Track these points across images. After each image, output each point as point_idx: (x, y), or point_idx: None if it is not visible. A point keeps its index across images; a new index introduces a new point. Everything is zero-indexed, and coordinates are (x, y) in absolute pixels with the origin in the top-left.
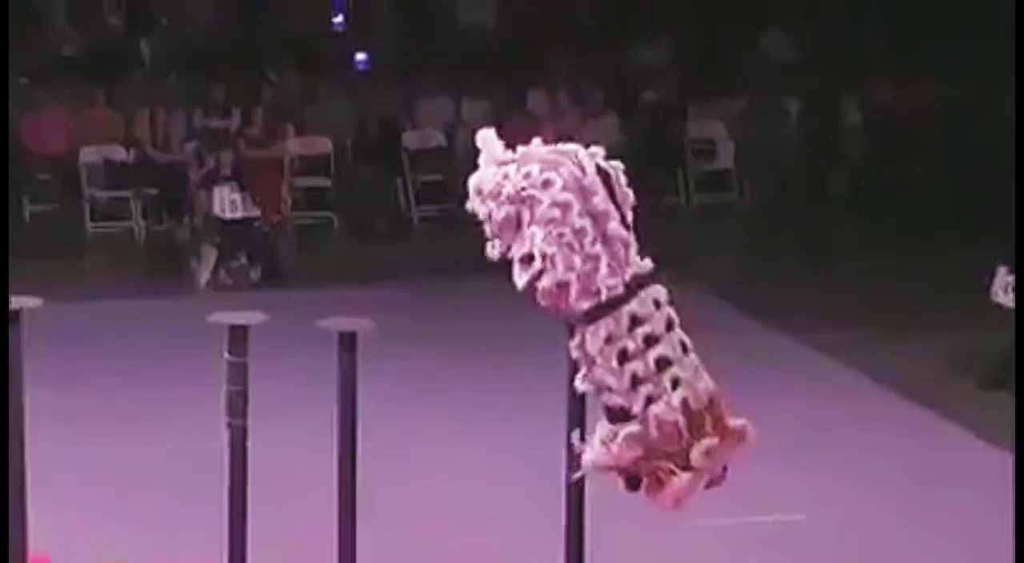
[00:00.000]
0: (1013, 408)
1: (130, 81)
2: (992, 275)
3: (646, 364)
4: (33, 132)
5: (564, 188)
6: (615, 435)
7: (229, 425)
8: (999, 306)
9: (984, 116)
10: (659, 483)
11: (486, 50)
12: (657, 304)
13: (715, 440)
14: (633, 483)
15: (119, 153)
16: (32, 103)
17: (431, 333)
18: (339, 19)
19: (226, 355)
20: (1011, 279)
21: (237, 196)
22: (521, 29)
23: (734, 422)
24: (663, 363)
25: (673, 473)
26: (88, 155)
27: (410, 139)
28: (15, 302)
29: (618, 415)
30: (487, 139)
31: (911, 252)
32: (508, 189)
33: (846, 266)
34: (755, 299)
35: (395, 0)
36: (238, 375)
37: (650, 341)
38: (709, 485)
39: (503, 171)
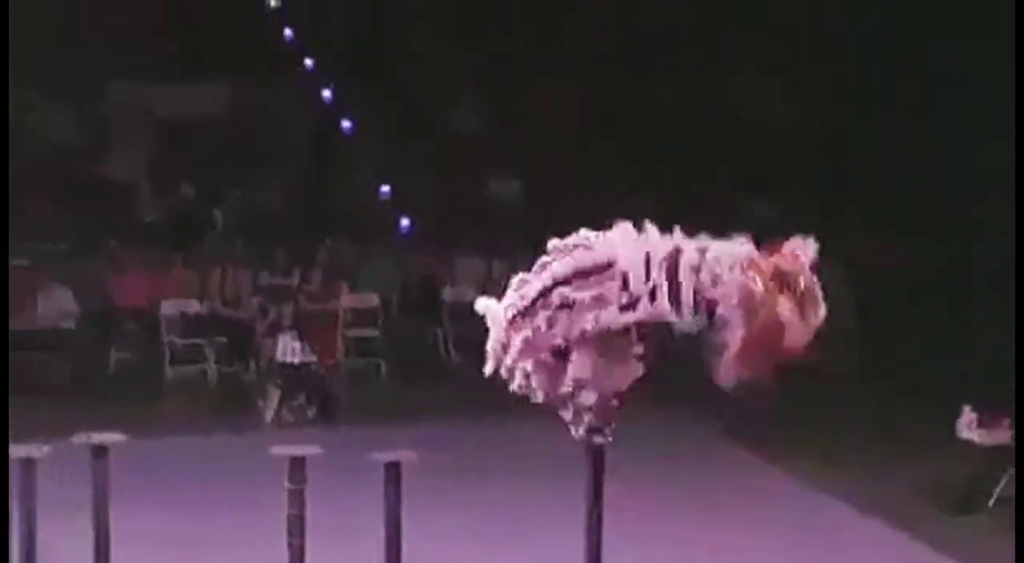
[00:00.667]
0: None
1: (204, 244)
2: (958, 414)
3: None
4: (120, 288)
5: None
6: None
7: (290, 545)
8: (966, 441)
9: (961, 272)
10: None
11: (513, 216)
12: None
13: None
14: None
15: (194, 306)
16: (119, 263)
17: (467, 465)
18: (385, 189)
19: (286, 483)
20: (975, 416)
21: (297, 344)
22: (542, 195)
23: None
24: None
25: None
26: (167, 308)
27: (448, 294)
28: (102, 438)
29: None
30: (490, 309)
31: (889, 393)
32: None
33: (831, 405)
34: (752, 433)
35: (434, 171)
36: (297, 501)
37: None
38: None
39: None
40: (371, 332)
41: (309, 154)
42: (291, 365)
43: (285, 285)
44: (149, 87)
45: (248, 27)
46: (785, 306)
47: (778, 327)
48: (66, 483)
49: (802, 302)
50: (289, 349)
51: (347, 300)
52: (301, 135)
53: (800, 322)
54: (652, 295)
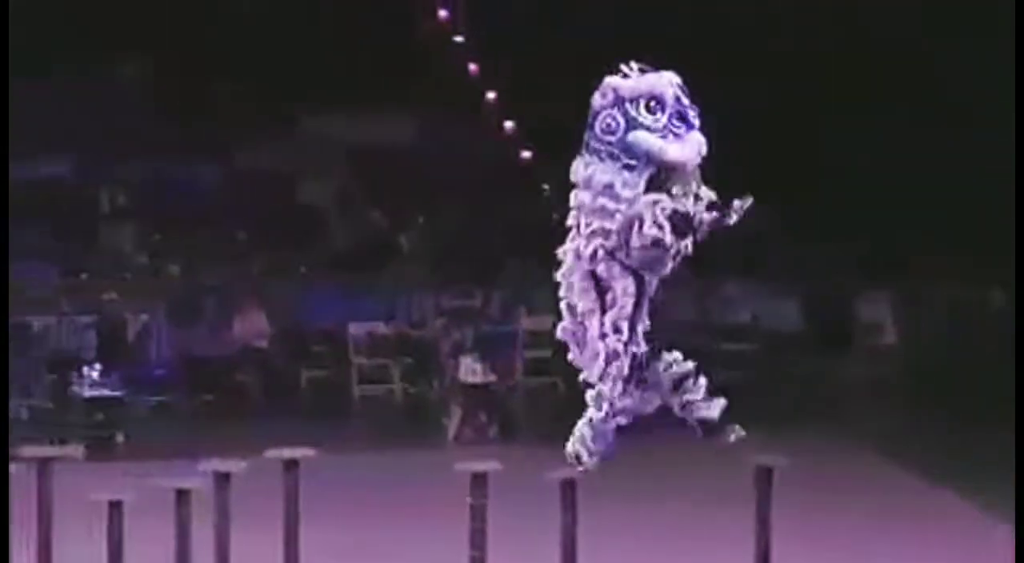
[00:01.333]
0: None
1: (390, 268)
2: None
3: None
4: (310, 311)
5: None
6: None
7: (472, 558)
8: None
9: None
10: None
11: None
12: None
13: None
14: None
15: (380, 328)
16: (310, 287)
17: (640, 486)
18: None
19: (469, 498)
20: None
21: (479, 364)
22: None
23: None
24: None
25: None
26: (355, 329)
27: None
28: (294, 453)
29: None
30: None
31: None
32: None
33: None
34: (915, 456)
35: None
36: (479, 515)
37: None
38: None
39: None
40: (546, 353)
41: (491, 182)
42: (473, 385)
43: (468, 307)
44: (340, 117)
45: (435, 60)
46: None
47: None
48: (259, 496)
49: None
50: (471, 369)
51: (525, 322)
52: (484, 163)
53: None
54: None
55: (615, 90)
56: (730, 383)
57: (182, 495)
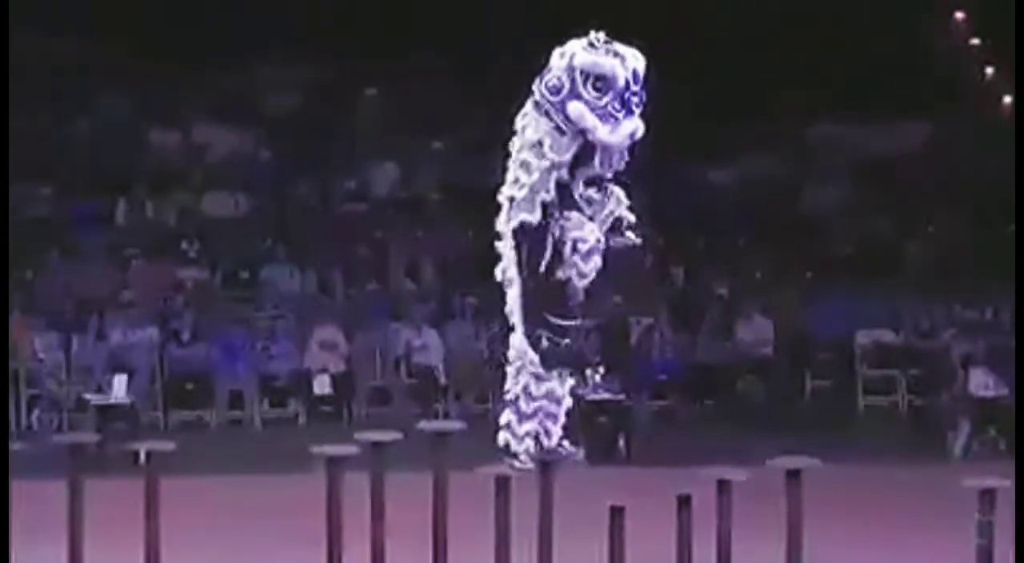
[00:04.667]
0: None
1: (897, 277)
2: None
3: None
4: (815, 319)
5: None
6: None
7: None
8: None
9: None
10: None
11: None
12: None
13: None
14: None
15: (888, 336)
16: (816, 294)
17: None
18: None
19: (976, 515)
20: None
21: (991, 378)
22: None
23: None
24: None
25: None
26: (861, 337)
27: None
28: (796, 462)
29: None
30: None
31: None
32: None
33: None
34: None
35: None
36: (986, 532)
37: None
38: None
39: None
40: None
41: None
42: (984, 398)
43: (979, 318)
44: (850, 126)
45: (949, 65)
46: None
47: None
48: (759, 506)
49: None
50: (983, 383)
51: None
52: (995, 172)
53: None
54: None
55: (572, 56)
56: None
57: (683, 502)
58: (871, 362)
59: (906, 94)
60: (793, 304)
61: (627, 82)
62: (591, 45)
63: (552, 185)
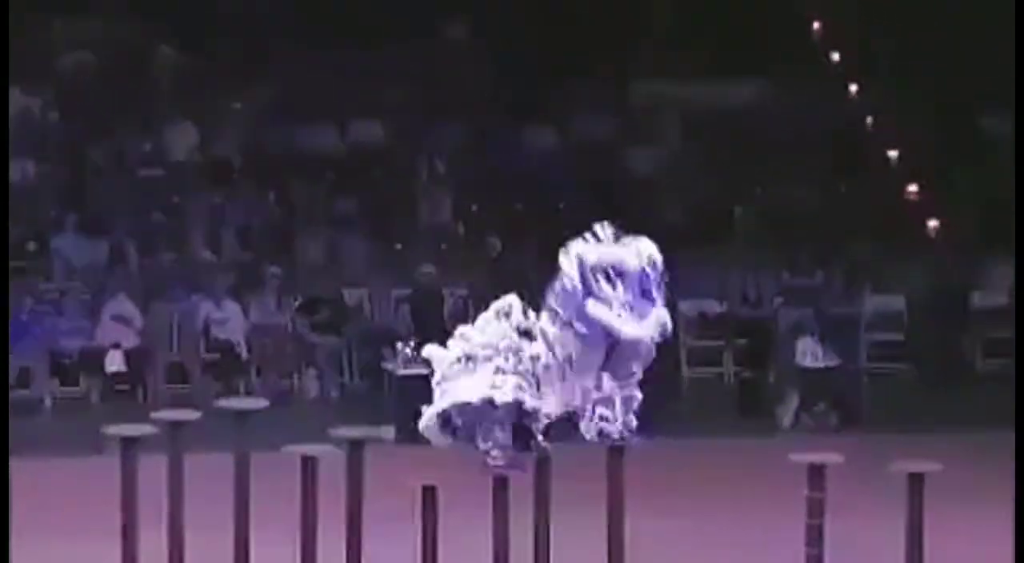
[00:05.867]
0: None
1: (724, 243)
2: None
3: None
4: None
5: None
6: None
7: (808, 556)
8: None
9: None
10: None
11: None
12: None
13: None
14: None
15: (713, 307)
16: None
17: (993, 481)
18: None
19: (806, 491)
20: None
21: (819, 348)
22: None
23: None
24: None
25: None
26: (686, 308)
27: (977, 298)
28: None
29: None
30: None
31: None
32: None
33: None
34: None
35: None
36: (816, 509)
37: None
38: None
39: None
40: (895, 336)
41: (834, 152)
42: (812, 369)
43: (807, 287)
44: (679, 85)
45: (777, 23)
46: None
47: None
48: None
49: None
50: (810, 353)
51: (870, 303)
52: (826, 132)
53: None
54: None
55: (580, 258)
56: None
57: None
58: (696, 333)
59: (738, 53)
60: None
61: (642, 269)
62: (597, 239)
63: None
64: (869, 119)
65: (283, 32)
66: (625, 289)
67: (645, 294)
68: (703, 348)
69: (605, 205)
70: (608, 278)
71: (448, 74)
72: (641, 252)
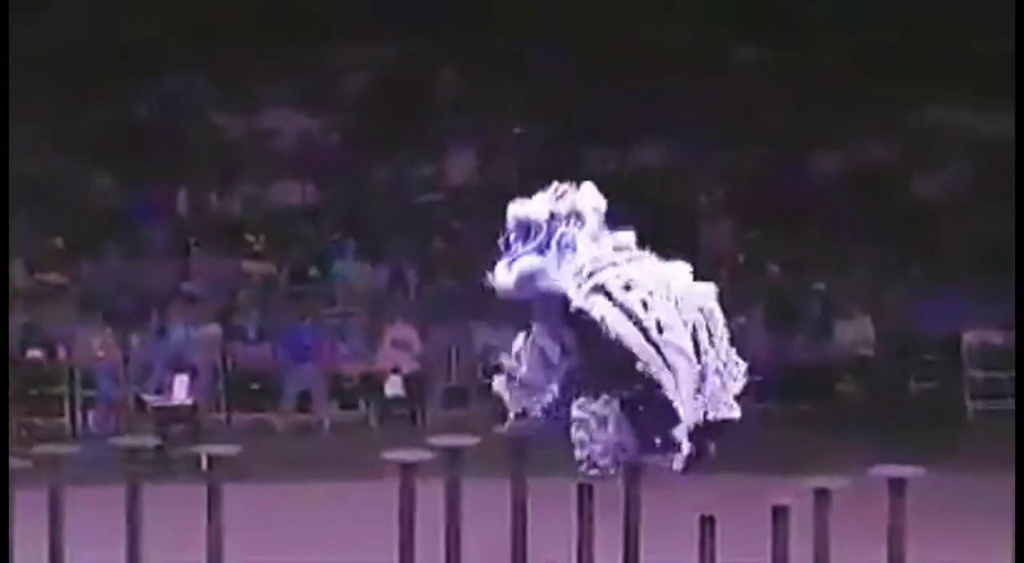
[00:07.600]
0: None
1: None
2: None
3: None
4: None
5: None
6: None
7: None
8: None
9: None
10: None
11: None
12: None
13: None
14: None
15: (997, 337)
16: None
17: None
18: None
19: None
20: None
21: None
22: None
23: None
24: None
25: None
26: (970, 338)
27: None
28: (900, 471)
29: None
30: None
31: None
32: None
33: None
34: None
35: None
36: None
37: None
38: None
39: None
40: None
41: None
42: None
43: None
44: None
45: None
46: None
47: None
48: (862, 515)
49: None
50: None
51: None
52: None
53: None
54: None
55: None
56: None
57: (778, 513)
58: (980, 363)
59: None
60: (897, 301)
61: (563, 219)
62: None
63: None
64: None
65: (566, 58)
66: (528, 241)
67: (567, 245)
68: (987, 379)
69: (893, 232)
70: (521, 233)
71: (739, 99)
72: (575, 201)
